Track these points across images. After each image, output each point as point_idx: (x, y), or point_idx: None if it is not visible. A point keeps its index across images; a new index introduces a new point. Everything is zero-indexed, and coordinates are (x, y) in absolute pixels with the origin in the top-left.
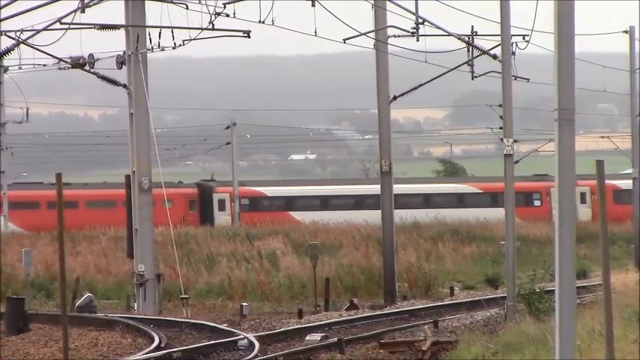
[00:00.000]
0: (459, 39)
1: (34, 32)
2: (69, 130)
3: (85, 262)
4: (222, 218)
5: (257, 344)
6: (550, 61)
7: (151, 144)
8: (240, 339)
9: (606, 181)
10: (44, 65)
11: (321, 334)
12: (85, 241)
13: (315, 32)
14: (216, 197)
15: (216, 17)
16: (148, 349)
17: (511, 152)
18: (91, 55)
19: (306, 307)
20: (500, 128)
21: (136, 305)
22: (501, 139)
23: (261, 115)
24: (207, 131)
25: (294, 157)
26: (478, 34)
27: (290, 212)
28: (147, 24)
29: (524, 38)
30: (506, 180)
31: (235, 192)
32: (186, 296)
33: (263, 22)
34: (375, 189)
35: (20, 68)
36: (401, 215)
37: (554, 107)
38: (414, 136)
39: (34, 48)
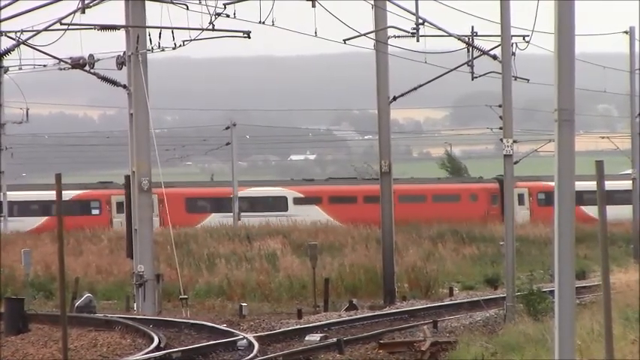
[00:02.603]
0: (459, 39)
1: (34, 33)
2: (69, 131)
3: (86, 263)
4: (521, 212)
5: (256, 344)
6: (550, 62)
7: (151, 144)
8: (239, 339)
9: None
10: (44, 66)
11: (321, 335)
12: (87, 241)
13: (315, 33)
14: (516, 192)
15: (216, 18)
16: (147, 350)
17: (511, 153)
18: (91, 55)
19: (305, 308)
20: (500, 129)
21: (135, 305)
22: (501, 140)
23: (261, 115)
24: (207, 132)
25: (294, 157)
26: (478, 34)
27: (581, 207)
28: (147, 24)
29: (524, 39)
30: (505, 180)
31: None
32: (185, 296)
33: (263, 22)
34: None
35: (20, 69)
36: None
37: (553, 108)
38: (413, 137)
39: (34, 48)
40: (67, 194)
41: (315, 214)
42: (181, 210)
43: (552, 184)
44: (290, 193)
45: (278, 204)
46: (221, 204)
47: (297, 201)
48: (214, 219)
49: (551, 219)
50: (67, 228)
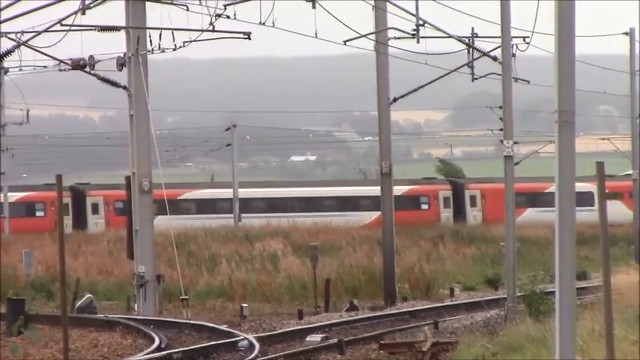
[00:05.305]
0: (459, 41)
1: (34, 34)
2: (69, 132)
3: (87, 263)
4: None
5: (257, 345)
6: (550, 63)
7: (151, 145)
8: (240, 340)
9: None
10: (45, 67)
11: (322, 335)
12: (88, 242)
13: (316, 34)
14: None
15: (216, 19)
16: (148, 350)
17: (511, 154)
18: (91, 56)
19: (306, 308)
20: (501, 130)
21: (136, 306)
22: (501, 141)
23: (262, 116)
24: (208, 133)
25: (295, 158)
26: (478, 35)
27: None
28: (147, 26)
29: (524, 40)
30: (506, 182)
31: None
32: (186, 297)
33: (263, 23)
34: None
35: (21, 70)
36: None
37: (554, 109)
38: (414, 138)
39: (35, 50)
40: (398, 189)
41: (617, 209)
42: (500, 205)
43: None
44: (595, 188)
45: (586, 199)
46: (538, 199)
47: None
48: (530, 214)
49: None
50: (397, 222)
